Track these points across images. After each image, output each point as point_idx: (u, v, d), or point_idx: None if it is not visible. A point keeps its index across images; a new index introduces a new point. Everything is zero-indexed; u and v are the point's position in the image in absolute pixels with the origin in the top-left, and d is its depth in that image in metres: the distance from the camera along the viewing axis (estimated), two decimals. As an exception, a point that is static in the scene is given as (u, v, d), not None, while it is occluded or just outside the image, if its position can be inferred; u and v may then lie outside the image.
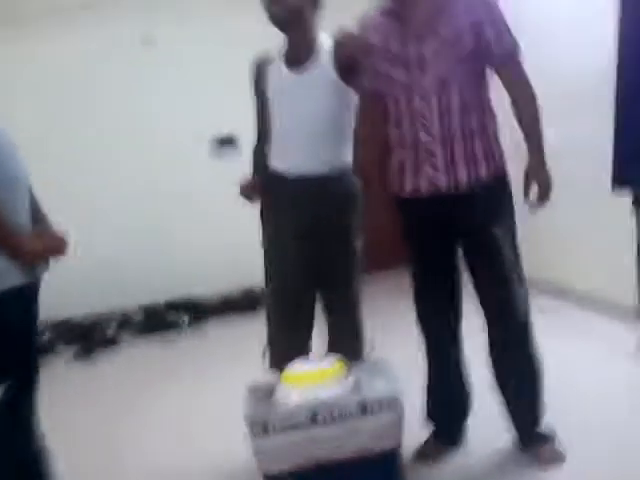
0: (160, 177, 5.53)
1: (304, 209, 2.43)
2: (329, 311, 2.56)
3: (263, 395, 1.81)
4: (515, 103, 2.25)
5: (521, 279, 2.32)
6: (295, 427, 1.61)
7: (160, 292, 5.46)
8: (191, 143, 5.48)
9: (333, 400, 1.66)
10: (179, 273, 5.52)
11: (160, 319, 5.20)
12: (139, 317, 5.30)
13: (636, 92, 1.05)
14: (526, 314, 2.34)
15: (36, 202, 2.20)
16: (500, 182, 2.28)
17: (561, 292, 4.19)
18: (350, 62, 2.35)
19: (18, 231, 1.98)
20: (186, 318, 5.19)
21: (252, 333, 4.64)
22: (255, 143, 2.66)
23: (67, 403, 3.55)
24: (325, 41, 2.42)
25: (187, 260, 5.56)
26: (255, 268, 5.06)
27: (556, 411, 2.47)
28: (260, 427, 1.60)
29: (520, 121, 2.25)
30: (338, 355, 2.02)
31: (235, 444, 2.77)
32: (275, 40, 2.50)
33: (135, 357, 4.61)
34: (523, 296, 2.32)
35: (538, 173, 2.25)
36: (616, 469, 2.23)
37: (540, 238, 4.19)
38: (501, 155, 2.29)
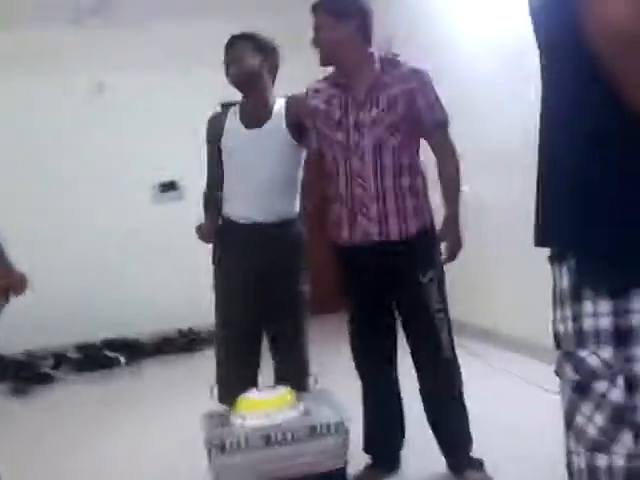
0: (105, 217, 5.61)
1: (255, 253, 2.62)
2: (277, 348, 2.72)
3: (219, 420, 1.94)
4: (439, 167, 2.53)
5: (446, 321, 2.54)
6: (251, 448, 1.74)
7: (97, 330, 5.47)
8: (137, 187, 5.60)
9: (285, 424, 1.81)
10: (116, 312, 5.54)
11: (97, 357, 5.20)
12: (75, 355, 5.28)
13: (551, 157, 1.26)
14: (451, 350, 2.56)
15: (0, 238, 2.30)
16: (427, 236, 2.53)
17: (488, 335, 4.45)
18: (299, 122, 2.60)
19: None
20: (123, 357, 5.21)
21: (189, 373, 4.78)
22: (205, 189, 2.84)
23: (5, 436, 3.53)
24: (278, 102, 2.66)
25: (125, 300, 5.60)
26: (193, 309, 5.23)
27: (483, 442, 2.67)
28: (219, 448, 1.73)
29: (441, 183, 2.52)
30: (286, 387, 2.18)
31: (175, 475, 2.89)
32: (221, 93, 2.73)
33: (72, 394, 4.59)
34: (448, 336, 2.54)
35: (450, 231, 2.52)
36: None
37: (469, 285, 4.46)
38: (429, 211, 2.54)
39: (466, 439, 2.61)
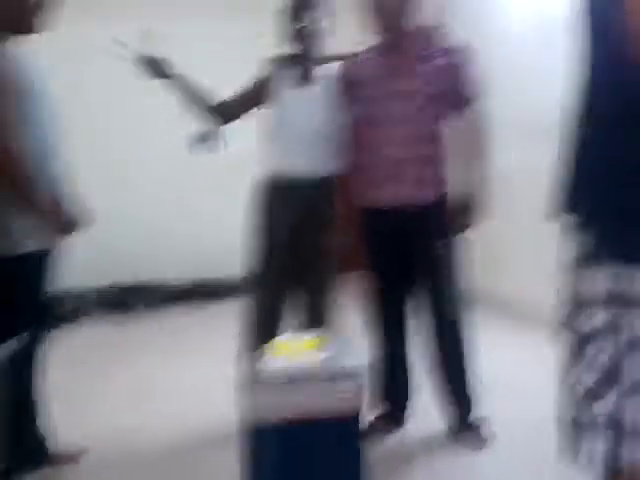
0: (144, 164, 5.69)
1: (297, 206, 2.77)
2: (307, 297, 2.87)
3: (251, 360, 2.12)
4: (472, 137, 2.65)
5: (455, 285, 2.69)
6: (277, 385, 1.91)
7: (121, 274, 5.61)
8: (177, 136, 5.69)
9: (310, 367, 1.97)
10: (141, 257, 5.64)
11: (119, 301, 5.38)
12: (98, 298, 5.46)
13: (576, 128, 1.38)
14: (458, 314, 2.72)
15: (61, 177, 2.43)
16: (443, 202, 2.66)
17: (503, 304, 4.59)
18: (347, 88, 2.71)
19: (57, 199, 2.22)
20: (144, 302, 5.38)
21: (212, 320, 4.94)
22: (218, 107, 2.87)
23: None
24: (330, 60, 2.78)
25: (151, 245, 5.70)
26: (216, 260, 5.32)
27: (487, 404, 2.83)
28: (248, 384, 1.91)
29: (473, 154, 2.65)
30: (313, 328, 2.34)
31: (187, 411, 3.14)
32: (267, 47, 2.81)
33: (93, 334, 4.79)
34: (455, 299, 2.70)
35: (477, 203, 2.63)
36: (535, 454, 2.59)
37: (489, 255, 4.58)
38: (446, 179, 2.66)
39: (467, 401, 2.77)
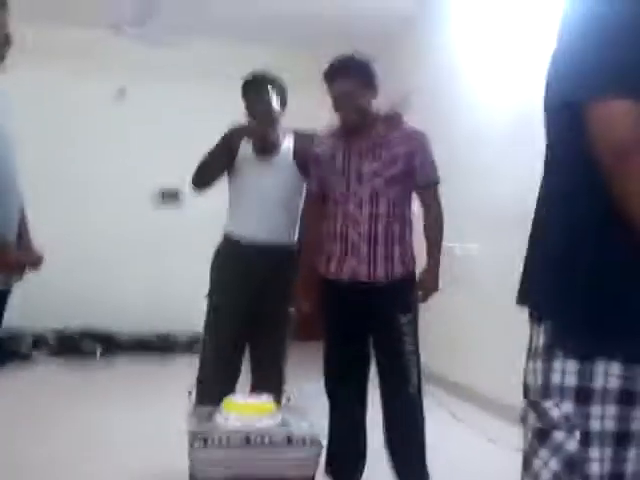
0: (108, 218, 5.73)
1: (255, 271, 2.80)
2: (258, 360, 2.88)
3: (204, 416, 2.08)
4: (425, 220, 2.75)
5: (417, 360, 2.71)
6: (231, 446, 1.88)
7: (77, 320, 5.55)
8: (140, 192, 5.74)
9: (265, 429, 1.95)
10: (99, 306, 5.63)
11: (74, 345, 5.29)
12: (54, 340, 5.36)
13: (541, 219, 1.42)
14: (418, 389, 2.71)
15: (24, 214, 2.42)
16: (409, 281, 2.73)
17: (458, 389, 4.58)
18: (305, 160, 2.82)
19: (5, 241, 2.20)
20: (100, 348, 5.30)
21: (162, 373, 4.87)
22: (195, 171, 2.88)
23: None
24: (286, 135, 2.89)
25: (108, 296, 5.69)
26: (173, 315, 5.32)
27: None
28: (201, 441, 1.87)
29: (426, 235, 2.75)
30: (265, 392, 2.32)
31: (131, 462, 3.03)
32: (233, 111, 2.90)
33: (47, 375, 4.69)
34: (417, 374, 2.71)
35: (429, 275, 2.72)
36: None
37: (448, 339, 4.62)
38: (413, 258, 2.75)
39: (423, 475, 2.75)
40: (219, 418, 2.02)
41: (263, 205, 2.83)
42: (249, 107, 2.84)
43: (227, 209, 2.95)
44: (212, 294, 2.88)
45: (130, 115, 5.71)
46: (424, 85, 5.19)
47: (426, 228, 2.76)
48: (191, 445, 1.90)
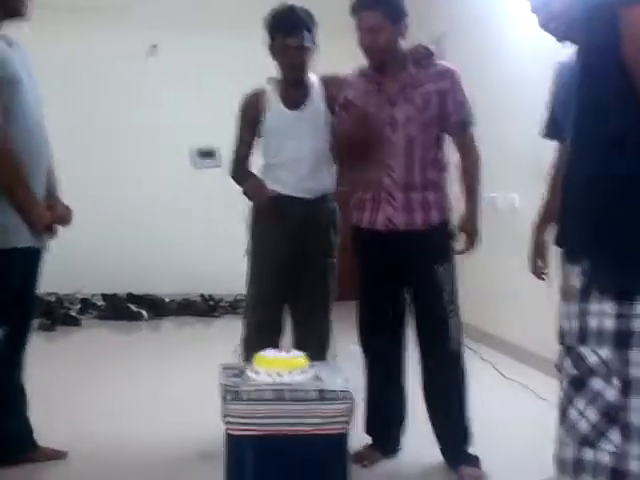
0: (147, 179, 5.77)
1: (294, 224, 2.73)
2: (302, 317, 2.82)
3: (236, 371, 2.06)
4: (462, 164, 2.64)
5: (456, 312, 2.63)
6: (262, 400, 1.86)
7: (124, 284, 5.64)
8: (177, 151, 5.76)
9: (297, 384, 1.92)
10: (144, 269, 5.72)
11: (121, 308, 5.39)
12: (101, 303, 5.48)
13: (575, 159, 1.33)
14: (459, 344, 2.64)
15: (53, 173, 2.44)
16: (446, 228, 2.63)
17: (497, 342, 4.51)
18: (335, 99, 2.69)
19: (36, 198, 2.22)
20: (146, 311, 5.38)
21: (207, 334, 4.93)
22: (234, 167, 2.87)
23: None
24: (313, 79, 2.75)
25: (154, 259, 5.77)
26: (215, 277, 5.36)
27: (480, 442, 2.74)
28: (233, 394, 1.86)
29: (464, 181, 2.64)
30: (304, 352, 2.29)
31: (175, 421, 3.08)
32: (267, 62, 2.77)
33: (94, 338, 4.80)
34: (457, 327, 2.63)
35: (469, 224, 2.62)
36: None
37: (486, 291, 4.53)
38: (449, 205, 2.65)
39: (465, 433, 2.69)
40: (250, 372, 2.00)
41: (300, 159, 2.72)
42: (278, 52, 2.67)
43: (261, 164, 2.86)
44: (252, 250, 2.83)
45: (163, 72, 5.68)
46: (457, 27, 4.98)
47: (463, 173, 2.64)
48: (223, 398, 1.89)
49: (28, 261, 2.33)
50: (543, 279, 2.65)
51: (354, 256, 2.73)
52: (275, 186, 2.78)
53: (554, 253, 1.35)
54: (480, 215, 2.65)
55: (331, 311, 2.86)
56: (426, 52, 2.59)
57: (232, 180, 2.90)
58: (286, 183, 2.75)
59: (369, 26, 2.46)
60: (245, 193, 2.79)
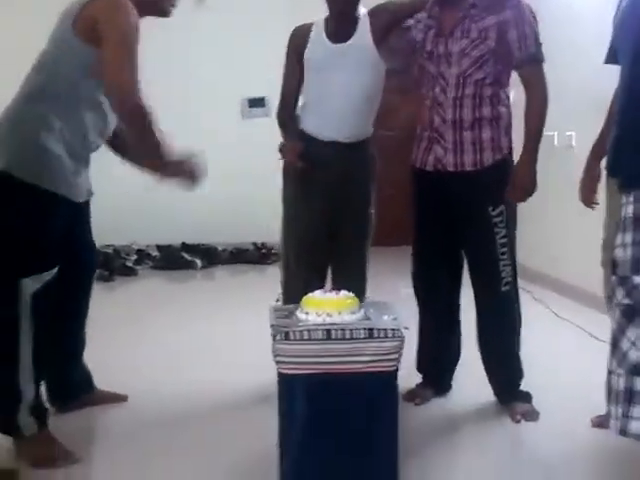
0: (195, 129, 5.77)
1: (332, 170, 2.65)
2: (340, 261, 2.80)
3: (285, 312, 2.09)
4: (528, 104, 2.50)
5: (511, 255, 2.58)
6: (311, 339, 1.88)
7: (178, 234, 5.75)
8: (227, 100, 5.74)
9: (345, 323, 1.94)
10: (197, 219, 5.78)
11: (175, 258, 5.50)
12: (157, 253, 5.61)
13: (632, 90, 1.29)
14: (512, 285, 2.60)
15: None
16: (502, 169, 2.53)
17: (553, 282, 4.48)
18: (385, 32, 2.58)
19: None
20: (199, 261, 5.49)
21: (259, 281, 5.01)
22: (280, 107, 2.79)
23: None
24: (361, 11, 2.61)
25: (206, 208, 5.82)
26: (268, 225, 5.39)
27: (532, 380, 2.73)
28: (283, 334, 1.89)
29: (527, 122, 2.51)
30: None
31: (229, 363, 3.15)
32: (313, 10, 2.68)
33: (151, 287, 4.95)
34: (508, 270, 2.58)
35: (523, 175, 2.51)
36: (584, 430, 2.51)
37: (542, 231, 4.47)
38: (508, 144, 2.54)
39: (517, 371, 2.68)
40: (300, 313, 2.02)
41: (343, 100, 2.60)
42: None
43: (301, 104, 2.75)
44: (286, 196, 2.79)
45: (210, 22, 5.62)
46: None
47: (527, 113, 2.50)
48: (273, 338, 1.92)
49: (76, 211, 2.31)
50: (593, 208, 2.58)
51: (412, 198, 2.69)
52: (313, 129, 2.68)
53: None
54: (536, 163, 2.52)
55: (368, 255, 2.83)
56: None
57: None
58: (325, 125, 2.64)
59: None
60: (280, 150, 2.71)
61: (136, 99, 2.10)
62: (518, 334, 2.66)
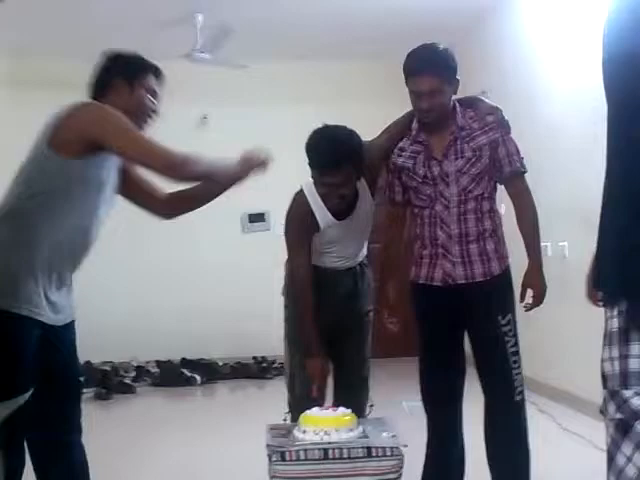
0: (195, 246, 5.90)
1: (336, 290, 2.74)
2: (341, 374, 2.79)
3: (282, 431, 2.06)
4: (519, 214, 2.59)
5: (519, 363, 2.57)
6: (308, 460, 1.85)
7: (177, 350, 5.73)
8: (225, 218, 5.87)
9: (343, 441, 1.91)
10: (196, 335, 5.80)
11: (175, 374, 5.44)
12: (156, 369, 5.55)
13: (612, 209, 1.33)
14: (521, 395, 2.57)
15: None
16: (505, 277, 2.58)
17: (557, 394, 4.40)
18: (391, 173, 2.67)
19: None
20: (199, 377, 5.42)
21: (260, 396, 4.92)
22: (298, 294, 2.70)
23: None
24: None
25: (204, 323, 5.84)
26: (268, 340, 5.39)
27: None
28: (279, 455, 1.85)
29: (522, 230, 2.58)
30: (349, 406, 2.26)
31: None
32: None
33: (150, 405, 4.84)
34: (520, 379, 2.56)
35: (534, 278, 2.56)
36: None
37: (544, 342, 4.43)
38: (506, 253, 2.61)
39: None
40: (297, 432, 2.00)
41: (345, 246, 2.74)
42: (320, 185, 2.57)
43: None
44: (288, 317, 2.84)
45: (213, 140, 5.84)
46: (498, 81, 5.06)
47: (521, 221, 2.57)
48: (270, 459, 1.88)
49: (52, 335, 2.09)
50: (599, 305, 2.58)
51: (413, 312, 2.69)
52: (317, 261, 2.74)
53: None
54: (542, 264, 2.56)
55: (369, 366, 2.82)
56: (469, 100, 2.60)
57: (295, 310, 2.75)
58: (329, 260, 2.75)
59: (428, 90, 2.43)
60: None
61: (177, 165, 2.13)
62: (528, 447, 2.59)
